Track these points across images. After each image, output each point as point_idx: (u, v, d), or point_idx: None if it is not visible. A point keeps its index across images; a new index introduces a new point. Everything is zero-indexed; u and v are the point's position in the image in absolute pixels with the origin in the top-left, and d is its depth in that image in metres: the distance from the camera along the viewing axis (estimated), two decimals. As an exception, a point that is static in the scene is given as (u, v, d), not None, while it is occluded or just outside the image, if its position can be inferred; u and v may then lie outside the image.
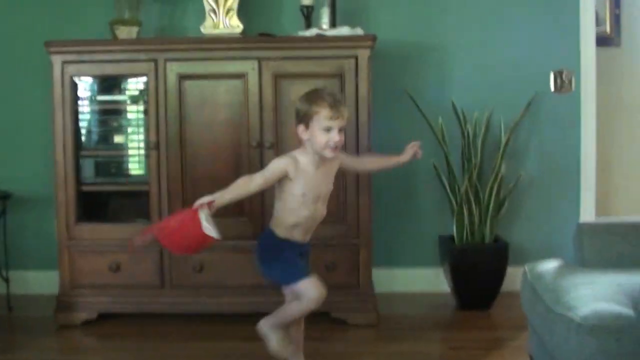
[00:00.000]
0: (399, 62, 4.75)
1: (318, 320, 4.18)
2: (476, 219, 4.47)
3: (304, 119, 3.22)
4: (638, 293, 2.54)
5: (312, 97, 3.25)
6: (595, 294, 2.66)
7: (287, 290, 3.40)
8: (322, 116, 3.17)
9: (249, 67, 4.17)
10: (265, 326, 3.36)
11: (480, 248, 4.47)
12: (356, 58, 4.12)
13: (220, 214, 4.15)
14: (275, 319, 3.35)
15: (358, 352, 3.85)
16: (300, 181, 3.25)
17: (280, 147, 4.16)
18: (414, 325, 4.22)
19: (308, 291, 3.22)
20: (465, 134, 4.50)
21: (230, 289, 4.23)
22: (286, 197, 3.30)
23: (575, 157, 4.79)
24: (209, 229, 3.08)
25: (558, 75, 4.77)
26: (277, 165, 3.27)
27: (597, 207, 4.98)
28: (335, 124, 3.18)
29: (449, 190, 4.51)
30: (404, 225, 4.83)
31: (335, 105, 3.19)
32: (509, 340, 3.91)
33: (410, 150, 3.56)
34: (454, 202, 4.48)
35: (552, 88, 4.77)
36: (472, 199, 4.43)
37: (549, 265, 3.14)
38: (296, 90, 4.12)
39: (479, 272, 4.39)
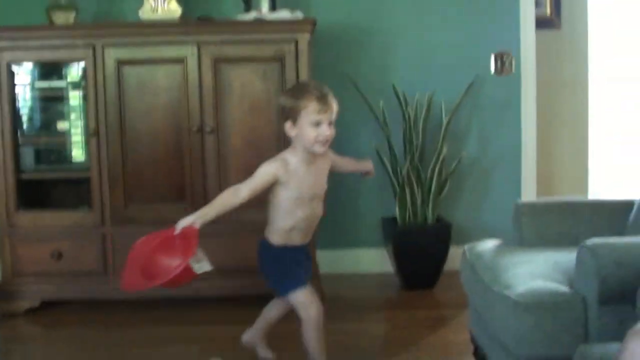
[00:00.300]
0: (340, 46, 4.76)
1: (263, 303, 4.20)
2: (418, 200, 4.51)
3: (290, 114, 3.03)
4: (573, 270, 2.58)
5: (298, 91, 3.10)
6: (532, 272, 2.70)
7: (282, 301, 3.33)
8: (310, 110, 2.98)
9: (188, 52, 4.14)
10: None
11: (423, 229, 4.52)
12: (296, 42, 4.11)
13: (161, 200, 4.19)
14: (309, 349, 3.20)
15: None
16: (293, 183, 3.06)
17: (221, 132, 4.15)
18: (359, 305, 4.25)
19: (303, 311, 3.11)
20: (407, 116, 4.53)
21: (174, 275, 4.21)
22: (280, 202, 3.11)
23: (516, 138, 4.86)
24: (202, 267, 2.92)
25: (498, 57, 4.83)
26: (265, 172, 3.07)
27: (539, 187, 5.06)
28: (325, 118, 3.00)
29: (391, 172, 4.54)
30: (348, 207, 4.86)
31: (322, 97, 3.01)
32: (451, 319, 3.96)
33: (368, 165, 3.53)
34: (396, 184, 4.51)
35: (493, 70, 4.82)
36: (414, 180, 4.47)
37: (488, 245, 3.18)
38: (236, 75, 4.14)
39: (421, 252, 4.44)
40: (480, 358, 3.22)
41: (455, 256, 4.15)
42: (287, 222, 3.13)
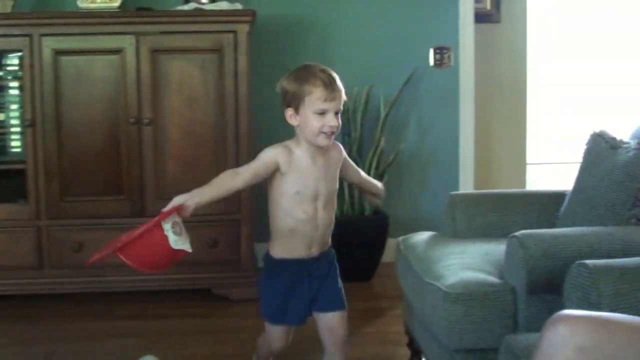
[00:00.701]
0: (279, 37, 4.76)
1: (200, 297, 4.20)
2: (356, 192, 4.52)
3: (292, 101, 2.69)
4: (503, 261, 2.62)
5: (303, 74, 2.71)
6: (463, 263, 2.74)
7: None
8: (315, 97, 2.62)
9: (127, 42, 4.10)
10: None
11: (361, 220, 4.54)
12: (235, 33, 4.10)
13: (97, 193, 4.14)
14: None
15: (240, 326, 3.87)
16: (293, 176, 2.71)
17: (158, 123, 4.12)
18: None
19: (265, 339, 2.96)
20: (345, 108, 4.53)
21: (111, 268, 4.16)
22: (278, 197, 2.74)
23: (454, 131, 4.91)
24: (177, 241, 2.60)
25: (437, 50, 4.86)
26: (267, 155, 2.75)
27: (478, 180, 5.12)
28: (331, 107, 2.63)
29: (330, 164, 4.54)
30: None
31: (330, 83, 2.65)
32: (387, 310, 4.00)
33: (378, 185, 3.10)
34: (335, 177, 4.52)
35: (432, 63, 4.86)
36: (352, 173, 4.49)
37: (422, 237, 3.21)
38: (175, 66, 4.11)
39: (359, 244, 4.46)
40: (415, 349, 3.26)
41: (392, 248, 4.18)
42: (286, 223, 2.74)
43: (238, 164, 4.11)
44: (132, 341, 3.66)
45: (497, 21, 6.10)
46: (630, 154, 2.76)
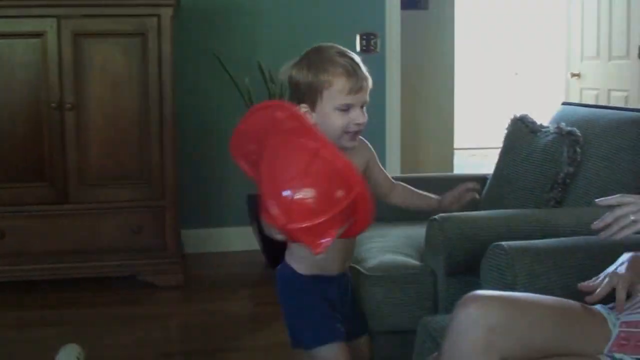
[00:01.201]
0: (205, 22, 4.72)
1: (126, 284, 4.16)
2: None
3: (307, 95, 2.14)
4: (422, 244, 2.65)
5: (318, 61, 2.16)
6: (384, 247, 2.77)
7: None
8: (337, 90, 2.10)
9: (47, 25, 4.01)
10: None
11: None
12: (159, 17, 4.04)
13: (19, 179, 4.05)
14: None
15: (167, 313, 3.86)
16: None
17: (81, 108, 4.05)
18: (223, 284, 4.25)
19: None
20: (271, 93, 4.53)
21: (32, 256, 4.09)
22: None
23: (381, 117, 4.93)
24: None
25: (364, 37, 4.88)
26: None
27: (405, 166, 5.17)
28: (357, 100, 2.14)
29: (257, 149, 4.53)
30: (213, 185, 4.84)
31: (354, 71, 2.13)
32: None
33: (460, 192, 2.31)
34: (262, 161, 4.51)
35: (358, 49, 4.87)
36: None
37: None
38: (97, 50, 4.05)
39: (287, 230, 4.45)
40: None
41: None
42: None
43: (162, 150, 4.09)
44: (52, 331, 3.58)
45: (425, 8, 6.17)
46: (549, 137, 2.81)
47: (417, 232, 2.83)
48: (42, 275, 4.10)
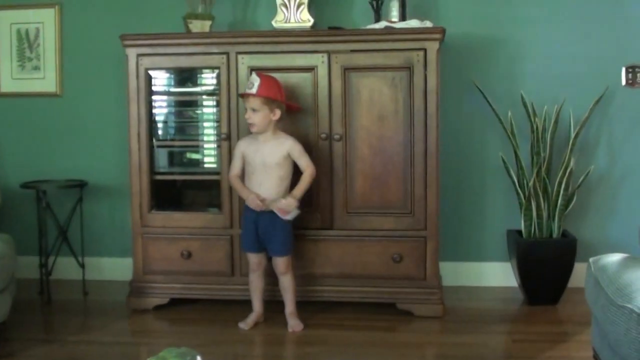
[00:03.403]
0: (468, 54, 4.75)
1: (384, 310, 4.25)
2: (544, 214, 4.45)
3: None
4: None
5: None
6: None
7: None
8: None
9: (319, 60, 4.22)
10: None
11: (548, 243, 4.45)
12: (425, 50, 4.13)
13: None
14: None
15: (423, 342, 3.88)
16: None
17: (349, 140, 4.21)
18: (480, 318, 4.22)
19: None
20: (534, 127, 4.48)
21: (298, 278, 4.25)
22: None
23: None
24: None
25: (630, 69, 4.72)
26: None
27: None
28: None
29: (517, 184, 4.49)
30: (472, 219, 4.84)
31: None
32: (574, 335, 3.89)
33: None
34: (522, 196, 4.46)
35: (624, 82, 4.71)
36: (540, 193, 4.42)
37: (613, 258, 3.12)
38: (365, 83, 4.19)
39: (546, 266, 4.37)
40: (604, 374, 3.16)
41: (580, 273, 4.08)
42: None
43: (426, 181, 4.15)
44: (318, 348, 3.76)
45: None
46: None
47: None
48: (306, 297, 4.27)
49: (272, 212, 3.99)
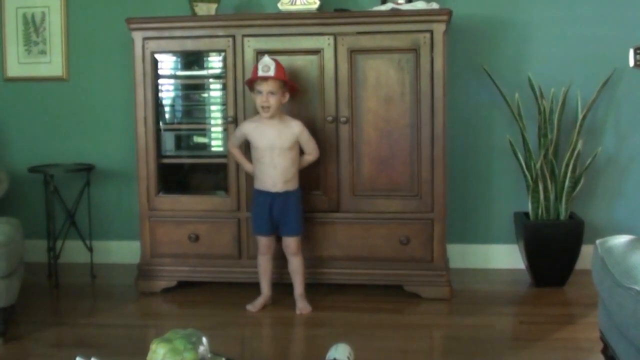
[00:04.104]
0: (475, 36, 4.73)
1: (392, 293, 4.26)
2: (551, 196, 4.44)
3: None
4: None
5: None
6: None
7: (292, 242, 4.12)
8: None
9: (325, 43, 4.21)
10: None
11: (556, 225, 4.45)
12: (431, 32, 4.12)
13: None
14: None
15: (430, 324, 3.90)
16: None
17: (355, 123, 4.21)
18: (487, 300, 4.23)
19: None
20: (542, 109, 4.46)
21: (307, 261, 4.26)
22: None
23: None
24: None
25: (638, 51, 4.69)
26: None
27: None
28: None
29: (524, 166, 4.49)
30: (479, 201, 4.84)
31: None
32: (581, 317, 3.90)
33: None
34: (529, 179, 4.46)
35: (632, 64, 4.69)
36: (547, 175, 4.41)
37: (620, 240, 3.10)
38: (371, 65, 4.19)
39: (553, 249, 4.37)
40: (610, 356, 3.15)
41: (587, 255, 4.06)
42: None
43: (432, 164, 4.15)
44: (323, 331, 3.78)
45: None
46: None
47: None
48: (313, 280, 4.28)
49: (286, 192, 4.01)
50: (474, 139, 4.78)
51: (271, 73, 3.93)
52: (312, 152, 4.10)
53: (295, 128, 4.04)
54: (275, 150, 3.98)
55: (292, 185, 4.05)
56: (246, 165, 4.18)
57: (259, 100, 3.97)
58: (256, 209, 4.11)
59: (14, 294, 3.74)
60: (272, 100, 3.95)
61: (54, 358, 3.51)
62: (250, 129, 4.07)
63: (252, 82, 4.03)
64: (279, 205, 4.03)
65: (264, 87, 3.95)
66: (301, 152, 4.10)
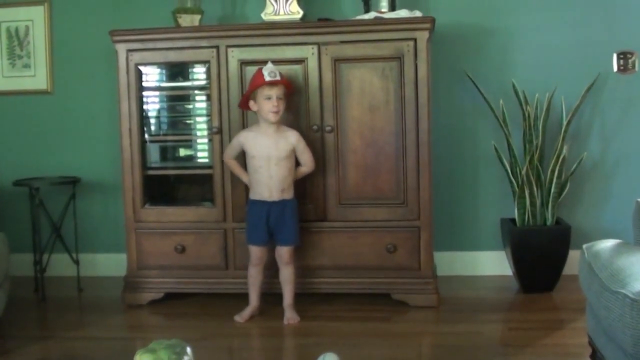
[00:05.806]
0: (459, 44, 4.75)
1: (379, 301, 4.26)
2: (538, 202, 4.45)
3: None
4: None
5: None
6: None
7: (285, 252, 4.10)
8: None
9: (309, 52, 4.21)
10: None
11: (542, 231, 4.45)
12: (415, 40, 4.12)
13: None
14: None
15: (418, 332, 3.89)
16: None
17: (340, 131, 4.21)
18: (475, 307, 4.22)
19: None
20: (526, 115, 4.48)
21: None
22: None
23: (638, 139, 4.73)
24: None
25: (621, 56, 4.72)
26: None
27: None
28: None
29: (510, 172, 4.49)
30: (465, 208, 4.85)
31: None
32: (569, 322, 3.89)
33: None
34: (515, 185, 4.47)
35: (615, 69, 4.71)
36: (533, 181, 4.42)
37: (607, 244, 3.11)
38: (355, 74, 4.19)
39: (541, 254, 4.37)
40: (598, 361, 3.16)
41: (574, 260, 4.06)
42: None
43: (418, 171, 4.15)
44: (313, 340, 3.76)
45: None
46: None
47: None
48: (301, 289, 4.27)
49: (283, 201, 4.00)
50: (459, 146, 4.79)
51: (279, 78, 3.94)
52: (307, 164, 4.10)
53: (291, 138, 4.03)
54: (272, 160, 3.96)
55: (289, 195, 4.04)
56: (243, 177, 4.15)
57: (269, 105, 3.93)
58: (252, 219, 4.07)
59: (1, 308, 3.72)
60: (281, 105, 3.95)
61: (41, 372, 3.50)
62: (247, 138, 4.04)
63: (255, 89, 3.96)
64: (275, 214, 4.01)
65: (274, 92, 3.93)
66: (296, 163, 4.09)
